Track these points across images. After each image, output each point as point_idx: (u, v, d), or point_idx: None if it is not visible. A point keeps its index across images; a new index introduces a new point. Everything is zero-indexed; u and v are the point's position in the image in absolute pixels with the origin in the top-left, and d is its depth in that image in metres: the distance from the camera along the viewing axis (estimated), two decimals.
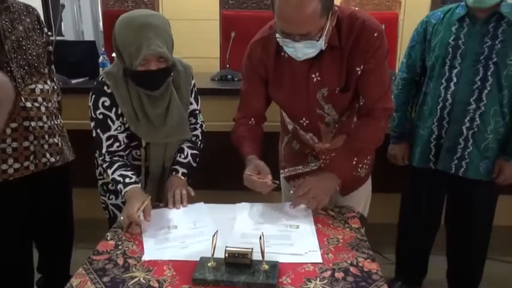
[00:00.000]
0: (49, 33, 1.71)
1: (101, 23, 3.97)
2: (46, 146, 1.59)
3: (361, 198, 1.57)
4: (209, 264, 1.01)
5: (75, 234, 1.90)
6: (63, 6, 2.43)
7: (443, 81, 1.61)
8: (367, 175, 1.56)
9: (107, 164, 1.39)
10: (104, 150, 1.40)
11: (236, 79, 2.42)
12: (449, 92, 1.61)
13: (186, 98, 1.48)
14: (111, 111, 1.38)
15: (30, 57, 1.54)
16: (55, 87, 1.71)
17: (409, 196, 1.87)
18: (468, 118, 1.59)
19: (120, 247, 1.14)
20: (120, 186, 1.34)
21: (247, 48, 1.40)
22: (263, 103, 1.45)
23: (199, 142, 1.57)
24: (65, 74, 2.23)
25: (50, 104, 1.61)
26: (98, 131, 1.40)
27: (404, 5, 3.21)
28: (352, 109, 1.42)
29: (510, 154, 1.60)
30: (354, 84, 1.31)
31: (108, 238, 1.19)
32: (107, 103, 1.37)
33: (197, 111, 1.58)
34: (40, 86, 1.57)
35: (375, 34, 1.25)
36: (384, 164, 1.81)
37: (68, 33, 3.97)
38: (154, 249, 1.13)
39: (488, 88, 1.55)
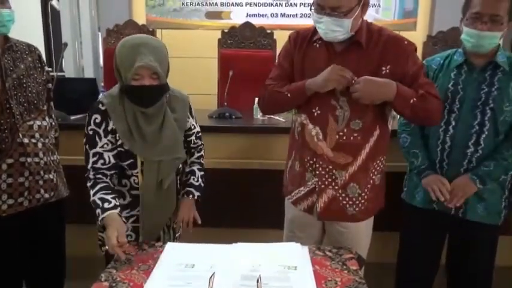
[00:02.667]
0: (50, 69, 1.75)
1: (101, 59, 4.04)
2: (41, 182, 1.58)
3: (358, 239, 1.56)
4: None
5: (68, 272, 1.85)
6: (65, 44, 2.49)
7: (442, 124, 1.64)
8: (356, 218, 1.54)
9: (91, 183, 1.41)
10: (89, 166, 1.43)
11: (234, 117, 2.45)
12: (448, 135, 1.63)
13: (182, 121, 1.52)
14: (100, 128, 1.41)
15: (30, 95, 1.57)
16: (53, 123, 1.73)
17: (408, 236, 1.85)
18: (466, 161, 1.61)
19: None
20: (98, 211, 1.35)
21: (290, 33, 1.58)
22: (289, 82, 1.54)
23: (204, 163, 1.65)
24: (64, 110, 2.25)
25: (47, 140, 1.62)
26: (87, 146, 1.44)
27: None
28: (364, 123, 1.45)
29: (478, 176, 1.60)
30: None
31: (102, 279, 1.16)
32: (98, 120, 1.41)
33: (200, 134, 1.64)
34: (38, 123, 1.59)
35: (405, 42, 1.43)
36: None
37: (68, 69, 4.04)
38: (160, 284, 1.12)
39: (486, 133, 1.58)
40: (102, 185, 1.40)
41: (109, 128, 1.41)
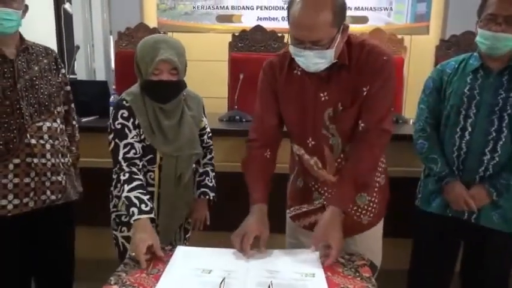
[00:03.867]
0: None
1: (112, 63, 4.07)
2: (48, 184, 1.59)
3: (369, 245, 1.52)
4: None
5: (78, 274, 1.86)
6: (78, 47, 2.52)
7: (458, 130, 1.61)
8: (372, 224, 1.51)
9: (126, 177, 1.38)
10: (120, 157, 1.42)
11: (244, 120, 2.44)
12: (464, 141, 1.60)
13: (197, 118, 1.56)
14: (128, 121, 1.44)
15: (41, 96, 1.59)
16: (75, 124, 1.77)
17: (422, 243, 1.82)
18: (482, 168, 1.58)
19: None
20: (133, 209, 1.33)
21: (263, 64, 1.46)
22: (276, 121, 1.46)
23: (213, 161, 1.68)
24: (75, 112, 2.26)
25: (56, 142, 1.62)
26: (116, 140, 1.43)
27: (410, 50, 3.28)
28: None
29: (495, 188, 1.56)
30: (358, 106, 1.33)
31: (112, 283, 1.15)
32: (125, 114, 1.44)
33: (211, 134, 1.68)
34: (48, 124, 1.60)
35: (384, 57, 1.30)
36: (394, 208, 1.78)
37: (80, 72, 4.08)
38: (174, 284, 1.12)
39: (503, 139, 1.55)
40: (139, 182, 1.39)
41: (136, 123, 1.45)
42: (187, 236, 1.65)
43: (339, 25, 1.23)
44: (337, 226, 1.28)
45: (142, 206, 1.33)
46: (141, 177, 1.42)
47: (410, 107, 2.41)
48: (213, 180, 1.64)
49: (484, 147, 1.57)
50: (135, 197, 1.35)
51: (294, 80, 1.39)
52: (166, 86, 1.40)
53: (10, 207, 1.51)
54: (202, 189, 1.61)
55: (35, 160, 1.54)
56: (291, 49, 1.27)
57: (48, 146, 1.58)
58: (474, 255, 1.74)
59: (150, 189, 1.49)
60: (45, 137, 1.58)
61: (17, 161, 1.51)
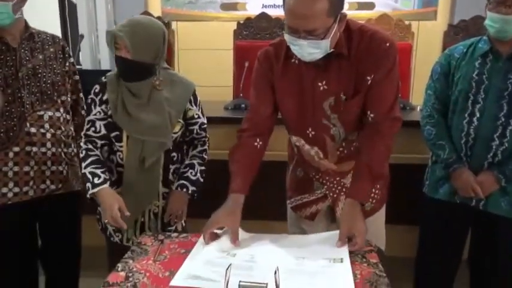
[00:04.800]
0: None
1: None
2: (48, 173, 1.59)
3: (373, 231, 1.51)
4: None
5: (86, 262, 1.88)
6: (82, 36, 2.51)
7: (466, 115, 1.59)
8: (374, 210, 1.50)
9: (83, 154, 1.48)
10: (83, 132, 1.51)
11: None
12: (472, 127, 1.58)
13: (176, 105, 1.51)
14: (97, 97, 1.49)
15: (44, 85, 1.58)
16: (85, 115, 1.74)
17: (429, 230, 1.81)
18: (491, 154, 1.56)
19: (130, 279, 1.10)
20: (88, 184, 1.42)
21: (258, 54, 1.41)
22: (270, 112, 1.42)
23: (206, 158, 1.62)
24: None
25: (58, 132, 1.62)
26: (85, 115, 1.57)
27: (417, 35, 3.23)
28: (360, 130, 1.39)
29: (504, 174, 1.54)
30: (363, 94, 1.30)
31: (119, 269, 1.16)
32: (97, 89, 1.50)
33: (205, 126, 1.61)
34: (50, 113, 1.59)
35: (387, 44, 1.26)
36: (401, 195, 1.76)
37: (85, 62, 4.07)
38: (198, 267, 1.12)
39: None
40: (92, 158, 1.46)
41: (104, 98, 1.48)
42: (171, 228, 1.59)
43: (335, 14, 1.18)
44: (358, 216, 1.27)
45: (95, 179, 1.41)
46: (97, 152, 1.48)
47: (418, 93, 2.38)
48: (198, 174, 1.56)
49: (492, 132, 1.55)
50: (89, 172, 1.43)
51: (291, 70, 1.35)
52: (123, 61, 1.41)
53: (10, 195, 1.53)
54: (182, 181, 1.54)
55: (34, 149, 1.54)
56: (286, 37, 1.24)
57: (48, 135, 1.58)
58: (482, 242, 1.73)
59: (119, 169, 1.52)
60: (46, 126, 1.58)
61: (16, 149, 1.52)
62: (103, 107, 1.48)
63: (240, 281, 0.98)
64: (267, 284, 0.98)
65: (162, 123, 1.47)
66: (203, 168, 1.59)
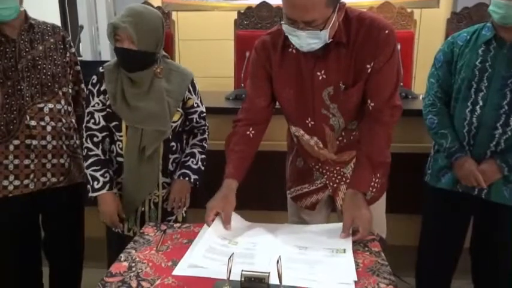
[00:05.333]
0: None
1: None
2: (48, 166, 1.59)
3: (373, 219, 1.51)
4: None
5: (89, 253, 1.89)
6: (81, 27, 2.49)
7: (469, 104, 1.57)
8: (375, 199, 1.49)
9: (84, 153, 1.52)
10: (83, 124, 1.52)
11: None
12: (475, 116, 1.56)
13: (175, 93, 1.51)
14: (94, 88, 1.49)
15: (44, 77, 1.57)
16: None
17: (431, 219, 1.81)
18: (494, 143, 1.55)
19: (133, 269, 1.11)
20: (88, 186, 1.50)
21: (255, 43, 1.40)
22: (266, 103, 1.42)
23: (206, 146, 1.63)
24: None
25: (59, 124, 1.61)
26: (85, 106, 1.54)
27: (420, 23, 3.20)
28: (360, 121, 1.38)
29: (507, 163, 1.53)
30: (363, 83, 1.29)
31: (122, 259, 1.16)
32: (94, 80, 1.50)
33: (204, 114, 1.62)
34: (50, 106, 1.58)
35: (386, 31, 1.24)
36: (403, 184, 1.76)
37: (86, 54, 4.06)
38: (200, 255, 1.12)
39: None
40: (92, 159, 1.50)
41: (101, 89, 1.48)
42: (173, 217, 1.61)
43: (334, 4, 1.17)
44: (361, 205, 1.26)
45: (95, 183, 1.48)
46: (97, 151, 1.51)
47: (420, 82, 2.36)
48: (199, 163, 1.58)
49: (495, 121, 1.53)
50: (89, 174, 1.49)
51: (289, 59, 1.33)
52: (125, 52, 1.40)
53: (11, 188, 1.53)
54: (183, 170, 1.55)
55: (34, 142, 1.54)
56: (284, 28, 1.22)
57: (49, 128, 1.57)
58: (484, 231, 1.73)
59: (119, 159, 1.53)
60: (46, 118, 1.57)
61: (16, 142, 1.52)
62: (101, 97, 1.49)
63: (242, 270, 0.98)
64: (269, 273, 0.98)
65: (162, 112, 1.47)
66: (204, 156, 1.60)
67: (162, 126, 1.48)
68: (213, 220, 1.27)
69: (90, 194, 1.48)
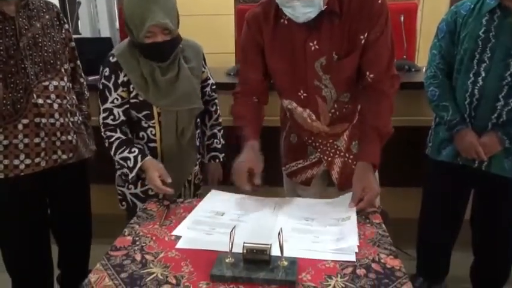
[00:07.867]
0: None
1: (117, 22, 3.98)
2: (58, 143, 1.59)
3: None
4: (227, 261, 0.99)
5: (95, 230, 1.92)
6: (79, 3, 2.45)
7: (471, 75, 1.55)
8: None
9: (107, 144, 1.45)
10: (100, 121, 1.47)
11: None
12: (477, 87, 1.54)
13: (197, 69, 1.51)
14: (109, 81, 1.42)
15: (46, 54, 1.55)
16: (84, 82, 1.76)
17: (432, 191, 1.82)
18: (495, 115, 1.53)
19: (137, 243, 1.13)
20: (125, 170, 1.43)
21: (246, 15, 1.38)
22: (261, 76, 1.41)
23: (221, 120, 1.67)
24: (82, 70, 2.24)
25: (64, 101, 1.61)
26: (99, 102, 1.46)
27: None
28: (352, 93, 1.38)
29: (508, 135, 1.52)
30: (356, 54, 1.28)
31: (126, 234, 1.18)
32: (107, 73, 1.42)
33: (215, 86, 1.64)
34: (55, 83, 1.57)
35: (379, 1, 1.24)
36: (404, 157, 1.76)
37: (85, 32, 4.01)
38: (190, 227, 1.17)
39: None
40: (116, 143, 1.44)
41: (119, 81, 1.41)
42: (198, 192, 1.66)
43: None
44: (370, 177, 1.27)
45: (128, 163, 1.41)
46: (117, 135, 1.44)
47: (424, 54, 2.33)
48: (221, 140, 1.67)
49: (497, 93, 1.52)
50: (120, 159, 1.43)
51: (281, 30, 1.32)
52: (162, 47, 1.36)
53: (22, 166, 1.53)
54: (212, 153, 1.64)
55: (43, 120, 1.54)
56: (278, 0, 1.21)
57: (55, 106, 1.57)
58: (485, 203, 1.74)
59: (151, 144, 1.50)
60: (52, 96, 1.57)
61: (25, 121, 1.51)
62: (119, 91, 1.42)
63: (244, 242, 1.00)
64: (271, 244, 1.00)
65: (193, 91, 1.48)
66: (222, 131, 1.68)
67: (195, 104, 1.50)
68: (247, 181, 1.27)
69: (131, 176, 1.42)
